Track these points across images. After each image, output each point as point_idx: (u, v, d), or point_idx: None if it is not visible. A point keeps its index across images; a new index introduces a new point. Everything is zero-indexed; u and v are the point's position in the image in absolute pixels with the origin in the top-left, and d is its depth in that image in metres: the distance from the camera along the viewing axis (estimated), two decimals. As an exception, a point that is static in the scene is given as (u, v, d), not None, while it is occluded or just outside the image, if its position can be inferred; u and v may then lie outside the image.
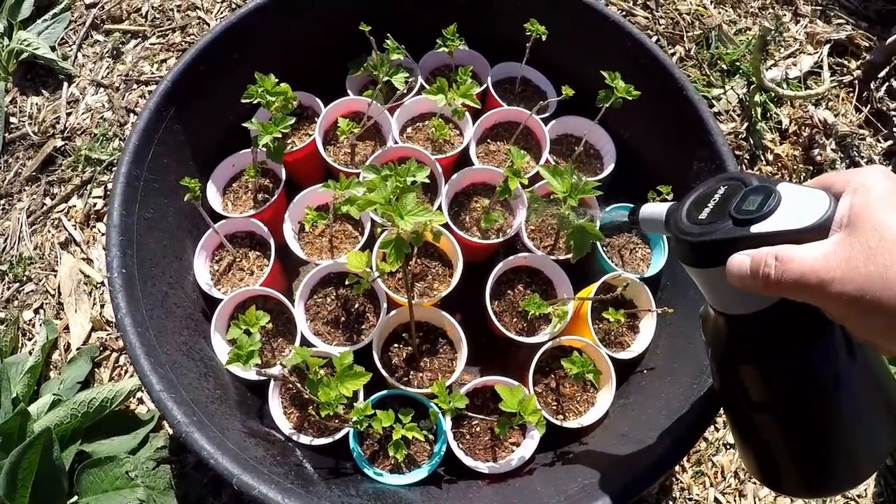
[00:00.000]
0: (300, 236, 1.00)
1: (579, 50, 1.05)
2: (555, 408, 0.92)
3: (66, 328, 1.18)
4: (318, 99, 1.06)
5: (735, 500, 1.10)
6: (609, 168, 1.04)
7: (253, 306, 0.94)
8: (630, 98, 0.92)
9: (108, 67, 1.34)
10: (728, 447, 1.13)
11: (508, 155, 0.91)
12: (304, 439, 0.88)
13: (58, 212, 1.24)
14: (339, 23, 1.04)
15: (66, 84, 1.33)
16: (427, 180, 0.86)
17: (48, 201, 1.25)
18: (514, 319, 0.94)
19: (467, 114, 1.02)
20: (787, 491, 0.55)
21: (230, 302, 0.95)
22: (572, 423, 0.89)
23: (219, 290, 0.98)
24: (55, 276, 1.20)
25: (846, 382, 0.48)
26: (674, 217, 0.51)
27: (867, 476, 0.52)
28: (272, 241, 0.97)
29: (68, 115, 1.30)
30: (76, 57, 1.36)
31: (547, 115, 1.07)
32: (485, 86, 1.06)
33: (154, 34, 1.36)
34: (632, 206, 0.99)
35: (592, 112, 0.98)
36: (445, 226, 0.95)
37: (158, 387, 0.79)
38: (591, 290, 0.93)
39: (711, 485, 1.10)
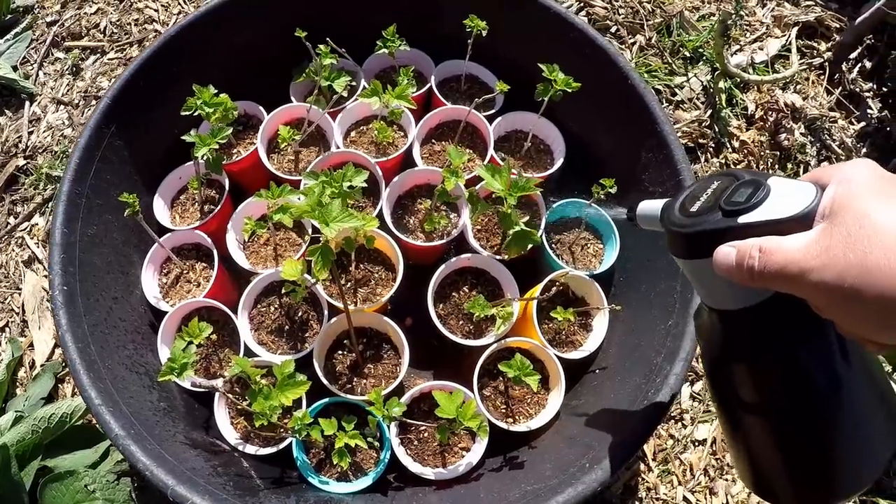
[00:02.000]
0: (246, 246, 1.00)
1: (525, 44, 1.03)
2: (504, 411, 0.90)
3: (31, 345, 1.19)
4: (261, 107, 1.06)
5: (706, 499, 1.07)
6: (559, 162, 1.02)
7: (195, 318, 0.94)
8: (570, 90, 0.90)
9: (68, 84, 1.35)
10: (696, 444, 1.10)
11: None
12: (251, 449, 0.88)
13: (21, 230, 1.25)
14: (283, 30, 1.03)
15: (27, 103, 1.34)
16: (365, 184, 0.85)
17: (11, 220, 1.26)
18: (461, 322, 0.92)
19: (409, 114, 1.00)
20: (782, 501, 0.53)
21: (175, 314, 0.95)
22: (520, 427, 0.87)
23: (167, 302, 0.98)
24: (19, 294, 1.22)
25: (841, 384, 0.47)
26: (667, 211, 0.52)
27: (865, 485, 0.50)
28: (215, 252, 0.96)
29: (30, 133, 1.32)
30: (37, 75, 1.37)
31: (493, 111, 1.05)
32: (428, 85, 1.04)
33: (112, 49, 1.36)
34: (579, 201, 0.98)
35: (549, 109, 0.96)
36: (388, 230, 0.94)
37: (97, 400, 0.80)
38: (536, 290, 0.91)
39: (680, 483, 1.07)
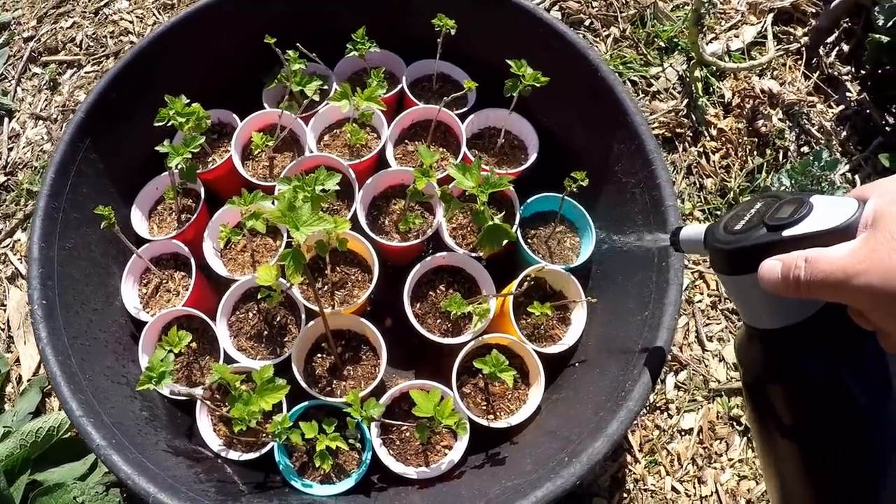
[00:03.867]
0: (223, 253, 1.00)
1: (495, 41, 1.03)
2: (484, 408, 0.90)
3: (18, 361, 1.19)
4: (234, 115, 1.06)
5: (695, 488, 1.07)
6: (532, 158, 1.02)
7: (175, 327, 0.95)
8: (538, 85, 0.90)
9: (46, 100, 1.35)
10: (683, 433, 1.10)
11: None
12: (233, 455, 0.88)
13: (3, 247, 1.25)
14: (254, 37, 1.03)
15: (6, 119, 1.35)
16: (337, 187, 0.85)
17: (-6, 237, 1.26)
18: (438, 321, 0.92)
19: (382, 116, 1.01)
20: None
21: (155, 324, 0.95)
22: (501, 424, 0.87)
23: (147, 312, 0.99)
24: (4, 310, 1.22)
25: (884, 408, 0.47)
26: (711, 232, 0.52)
27: None
28: (192, 260, 0.97)
29: (10, 150, 1.32)
30: (15, 91, 1.37)
31: (465, 109, 1.05)
32: (400, 86, 1.04)
33: (89, 62, 1.37)
34: (554, 195, 0.98)
35: (519, 102, 0.96)
36: (362, 231, 0.94)
37: (78, 412, 0.81)
38: (513, 286, 0.91)
39: (668, 473, 1.07)
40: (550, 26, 0.96)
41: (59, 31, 1.40)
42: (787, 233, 0.45)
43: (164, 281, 1.00)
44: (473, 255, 0.93)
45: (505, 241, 0.87)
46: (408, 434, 0.89)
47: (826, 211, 0.45)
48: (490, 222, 0.85)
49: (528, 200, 0.97)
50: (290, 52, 0.94)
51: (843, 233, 0.43)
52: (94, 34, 1.39)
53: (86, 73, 1.36)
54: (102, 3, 1.42)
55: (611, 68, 1.11)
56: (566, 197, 0.95)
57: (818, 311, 0.46)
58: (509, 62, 0.90)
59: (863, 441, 0.47)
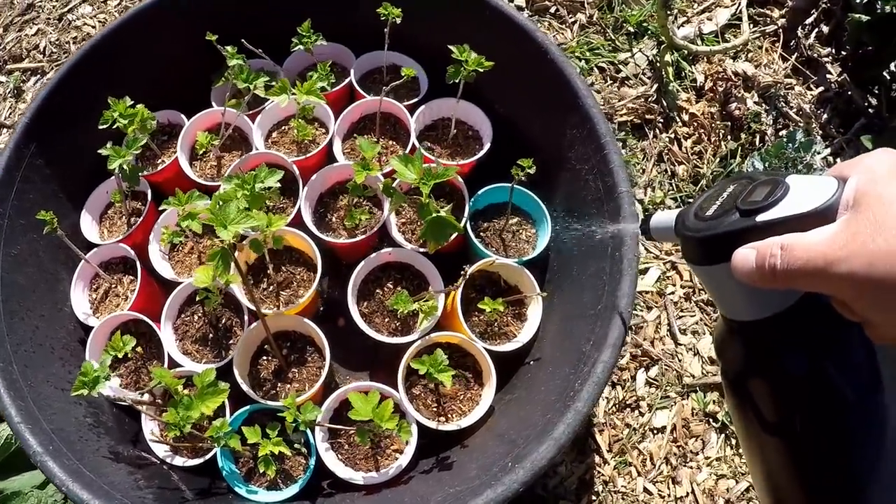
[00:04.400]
0: (171, 255, 0.98)
1: (444, 28, 0.99)
2: (435, 410, 0.86)
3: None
4: (182, 115, 1.04)
5: (669, 489, 1.02)
6: (486, 147, 0.98)
7: (118, 332, 0.93)
8: (482, 70, 0.86)
9: (10, 107, 1.35)
10: (655, 432, 1.05)
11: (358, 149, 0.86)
12: (179, 461, 0.86)
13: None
14: (201, 36, 1.01)
15: (-28, 129, 1.35)
16: (279, 185, 0.83)
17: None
18: (387, 319, 0.89)
19: (329, 110, 0.98)
20: None
21: (102, 329, 0.93)
22: (450, 426, 0.83)
23: (97, 317, 0.97)
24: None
25: (871, 397, 0.44)
26: (681, 218, 0.49)
27: None
28: (138, 264, 0.95)
29: (-25, 159, 1.31)
30: (-19, 101, 1.37)
31: (417, 100, 1.01)
32: (349, 79, 1.01)
33: (52, 69, 1.36)
34: (505, 185, 0.94)
35: (472, 91, 0.92)
36: (306, 229, 0.91)
37: (17, 418, 0.80)
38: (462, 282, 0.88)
39: (639, 474, 1.02)
40: (497, 9, 0.93)
41: (23, 39, 1.40)
42: (761, 217, 0.41)
43: (113, 285, 0.98)
44: (422, 250, 0.89)
45: (454, 235, 0.84)
46: (356, 438, 0.86)
47: (803, 192, 0.41)
48: (433, 215, 0.81)
49: (480, 192, 0.93)
50: (229, 48, 0.91)
51: (821, 216, 0.39)
52: (57, 40, 1.39)
53: (49, 79, 1.35)
54: (66, 9, 1.41)
55: (573, 53, 1.07)
56: (518, 186, 0.91)
57: (799, 299, 0.43)
58: (451, 48, 0.86)
59: (850, 433, 0.44)
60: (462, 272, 0.80)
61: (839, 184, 0.40)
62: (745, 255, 0.41)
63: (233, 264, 0.72)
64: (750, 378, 0.48)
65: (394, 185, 0.86)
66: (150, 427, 0.88)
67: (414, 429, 0.83)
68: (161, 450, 0.87)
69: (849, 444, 0.44)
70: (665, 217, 0.54)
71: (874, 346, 0.42)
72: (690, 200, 1.17)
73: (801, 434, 0.46)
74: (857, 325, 0.41)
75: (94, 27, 1.39)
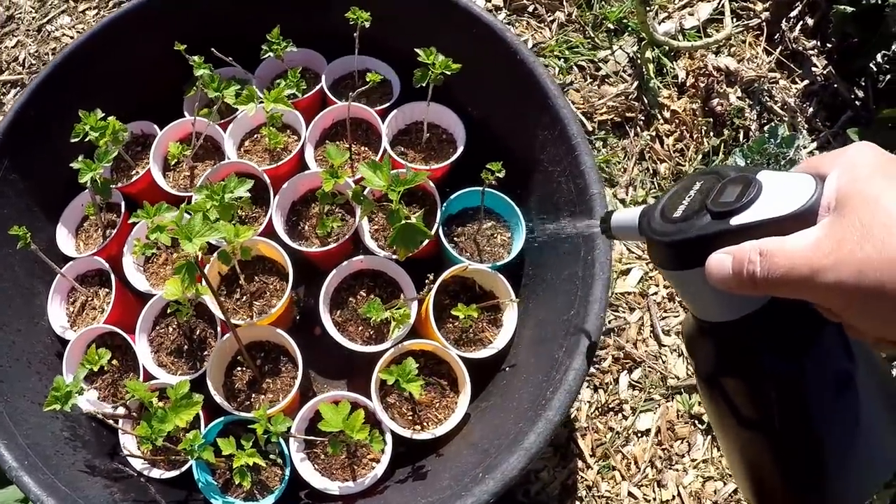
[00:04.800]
0: (146, 267, 0.98)
1: (415, 30, 0.98)
2: (411, 418, 0.85)
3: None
4: (156, 126, 1.03)
5: (654, 492, 1.01)
6: (459, 150, 0.97)
7: (93, 345, 0.92)
8: (450, 73, 0.85)
9: (-9, 121, 1.34)
10: (640, 435, 1.04)
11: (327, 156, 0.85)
12: (156, 473, 0.85)
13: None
14: (172, 46, 1.01)
15: (-46, 143, 1.34)
16: (248, 194, 0.82)
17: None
18: (360, 328, 0.88)
19: (300, 117, 0.97)
20: None
21: (78, 343, 0.93)
22: (425, 435, 0.83)
23: (74, 331, 0.97)
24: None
25: (845, 392, 0.44)
26: (646, 218, 0.47)
27: (867, 497, 0.47)
28: (112, 277, 0.94)
29: (-43, 173, 1.32)
30: (-38, 115, 1.37)
31: (389, 104, 1.00)
32: (320, 85, 1.00)
33: (32, 81, 1.36)
34: (475, 188, 0.93)
35: (445, 93, 0.91)
36: (278, 238, 0.90)
37: None
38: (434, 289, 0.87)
39: (624, 478, 1.01)
40: (466, 10, 0.92)
41: (3, 52, 1.40)
42: (735, 221, 0.39)
43: (90, 298, 0.98)
44: (394, 257, 0.88)
45: (425, 242, 0.83)
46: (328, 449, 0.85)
47: (778, 191, 0.39)
48: (402, 221, 0.80)
49: (452, 196, 0.92)
50: (196, 58, 0.90)
51: (801, 218, 0.37)
52: (36, 52, 1.39)
53: (21, 93, 1.35)
54: (45, 20, 1.41)
55: (552, 52, 1.05)
56: (492, 190, 0.90)
57: (772, 298, 0.41)
58: (418, 51, 0.85)
59: (825, 425, 0.44)
60: (427, 280, 0.79)
61: (817, 182, 0.38)
62: (721, 261, 0.39)
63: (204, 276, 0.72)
64: (724, 376, 0.47)
65: (364, 192, 0.85)
66: (126, 440, 0.88)
67: (388, 438, 0.82)
68: (138, 462, 0.87)
69: (824, 435, 0.44)
70: (627, 216, 0.52)
71: (849, 339, 0.42)
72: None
73: (777, 428, 0.45)
74: (833, 323, 0.40)
75: (72, 37, 1.39)
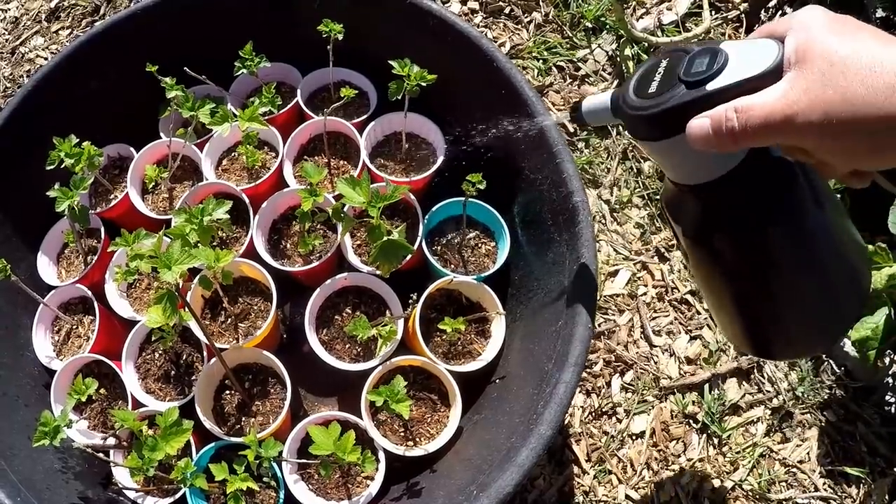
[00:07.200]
0: (130, 293, 0.96)
1: (390, 39, 0.97)
2: (403, 434, 0.85)
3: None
4: (132, 148, 1.02)
5: (652, 494, 1.01)
6: (439, 161, 0.96)
7: (80, 375, 0.92)
8: (426, 84, 0.84)
9: (-33, 147, 1.32)
10: (634, 438, 1.03)
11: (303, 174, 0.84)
12: (150, 502, 0.85)
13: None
14: (144, 67, 1.00)
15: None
16: (227, 215, 0.81)
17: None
18: (347, 346, 0.87)
19: (277, 134, 0.96)
20: (775, 353, 0.62)
21: (65, 373, 0.92)
22: (417, 451, 0.82)
23: (60, 360, 0.95)
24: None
25: (819, 235, 0.50)
26: (620, 99, 0.50)
27: (838, 339, 0.57)
28: (95, 304, 0.93)
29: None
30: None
31: (366, 116, 0.99)
32: (296, 100, 0.99)
33: (5, 105, 1.34)
34: (457, 199, 0.92)
35: (423, 103, 0.90)
36: (259, 258, 0.89)
37: None
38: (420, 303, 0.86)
39: (621, 481, 1.01)
40: (441, 18, 0.91)
41: (-24, 77, 1.38)
42: (710, 86, 0.43)
43: (74, 326, 0.97)
44: (378, 273, 0.87)
45: (407, 257, 0.82)
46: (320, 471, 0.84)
47: (744, 57, 0.43)
48: (383, 238, 0.79)
49: (433, 208, 0.91)
50: (167, 80, 0.89)
51: (769, 76, 0.41)
52: (11, 74, 1.37)
53: None
54: (19, 42, 1.39)
55: (530, 54, 1.04)
56: (475, 200, 0.89)
57: (747, 155, 0.46)
58: (392, 63, 0.84)
59: (801, 266, 0.50)
60: (410, 300, 0.78)
61: (779, 44, 0.42)
62: (700, 125, 0.43)
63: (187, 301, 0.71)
64: (709, 231, 0.51)
65: (344, 209, 0.84)
66: (118, 471, 0.87)
67: (381, 455, 0.81)
68: (132, 492, 0.86)
69: (801, 273, 0.50)
70: (598, 100, 0.55)
71: (818, 184, 0.49)
72: (657, 197, 1.15)
73: (763, 274, 0.51)
74: (803, 170, 0.46)
75: (46, 58, 1.37)
